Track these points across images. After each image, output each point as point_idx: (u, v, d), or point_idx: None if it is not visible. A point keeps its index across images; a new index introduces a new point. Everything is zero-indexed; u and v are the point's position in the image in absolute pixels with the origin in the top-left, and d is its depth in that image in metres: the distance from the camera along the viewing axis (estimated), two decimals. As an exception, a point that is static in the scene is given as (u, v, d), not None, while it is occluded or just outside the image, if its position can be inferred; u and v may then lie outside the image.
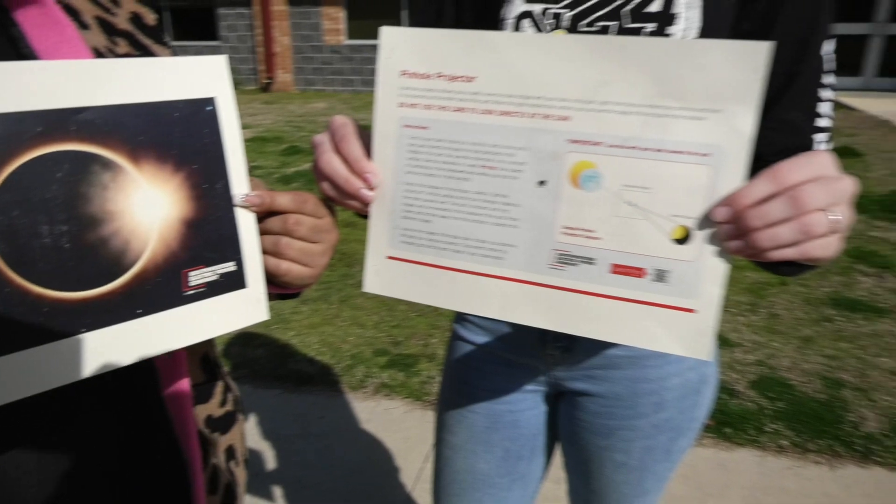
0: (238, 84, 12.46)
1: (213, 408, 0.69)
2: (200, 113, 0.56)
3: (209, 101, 0.57)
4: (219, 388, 0.71)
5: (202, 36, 12.57)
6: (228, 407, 0.72)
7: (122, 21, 0.63)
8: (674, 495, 1.86)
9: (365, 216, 0.66)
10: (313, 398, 2.38)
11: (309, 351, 2.69)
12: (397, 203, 0.63)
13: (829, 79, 0.70)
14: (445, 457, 0.96)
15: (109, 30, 0.61)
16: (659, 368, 0.82)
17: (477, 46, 0.58)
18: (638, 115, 0.54)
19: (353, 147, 0.61)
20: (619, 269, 0.57)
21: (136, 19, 0.65)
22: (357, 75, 11.95)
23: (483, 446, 0.92)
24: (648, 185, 0.55)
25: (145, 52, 0.64)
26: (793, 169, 0.50)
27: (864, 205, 4.46)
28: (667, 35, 0.68)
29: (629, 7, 0.71)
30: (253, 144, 7.15)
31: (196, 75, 0.55)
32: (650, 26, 0.69)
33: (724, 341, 2.68)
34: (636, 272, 0.57)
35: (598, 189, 0.56)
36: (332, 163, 0.61)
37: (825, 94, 0.70)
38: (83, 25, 0.59)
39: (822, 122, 0.70)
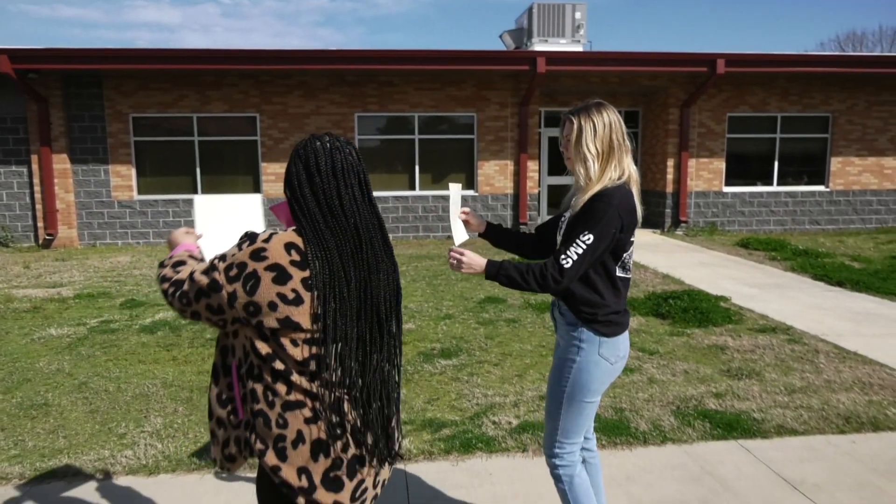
0: (12, 241, 11.93)
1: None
2: None
3: None
4: None
5: (-29, 194, 11.93)
6: None
7: None
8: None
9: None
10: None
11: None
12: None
13: (581, 242, 2.11)
14: None
15: None
16: (571, 339, 2.21)
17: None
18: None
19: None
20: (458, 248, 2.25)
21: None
22: (150, 228, 12.27)
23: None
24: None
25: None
26: (465, 254, 2.14)
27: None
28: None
29: (560, 235, 2.15)
30: (84, 301, 7.35)
31: None
32: (559, 241, 2.17)
33: (551, 399, 4.14)
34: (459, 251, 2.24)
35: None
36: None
37: (575, 246, 2.10)
38: None
39: (569, 252, 2.10)
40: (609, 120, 2.19)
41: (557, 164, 13.87)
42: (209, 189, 12.43)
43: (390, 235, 12.55)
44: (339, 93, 12.34)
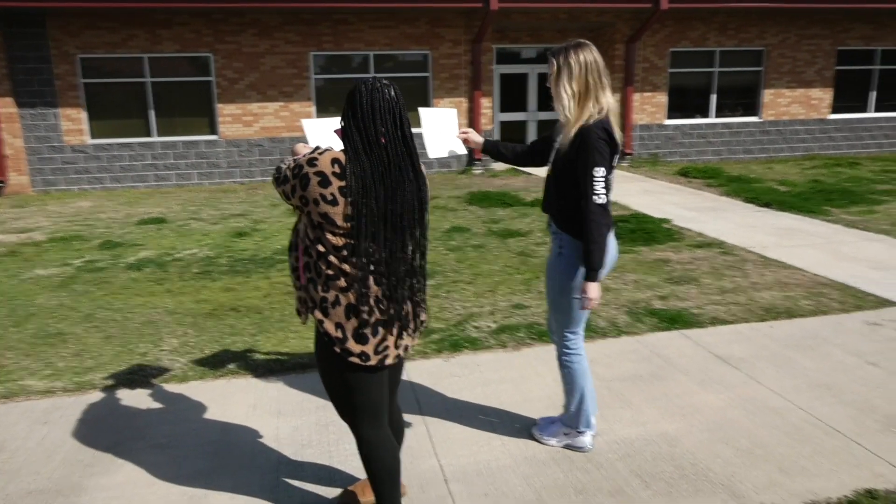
0: (-37, 190, 11.73)
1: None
2: None
3: None
4: None
5: (-87, 142, 11.58)
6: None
7: None
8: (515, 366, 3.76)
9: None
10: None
11: (285, 357, 4.02)
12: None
13: (596, 177, 2.57)
14: None
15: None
16: (556, 246, 2.71)
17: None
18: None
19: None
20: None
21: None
22: (106, 173, 12.21)
23: None
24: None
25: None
26: (588, 293, 2.58)
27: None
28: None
29: (550, 161, 2.64)
30: (59, 244, 7.53)
31: None
32: (549, 166, 2.66)
33: (519, 306, 4.75)
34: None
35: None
36: None
37: (595, 183, 2.55)
38: None
39: (595, 190, 2.56)
40: (585, 60, 2.50)
41: (509, 102, 14.28)
42: (164, 131, 12.39)
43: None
44: (294, 31, 12.32)
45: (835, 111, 14.75)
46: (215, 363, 3.99)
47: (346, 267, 2.04)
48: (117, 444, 3.09)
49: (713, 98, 14.23)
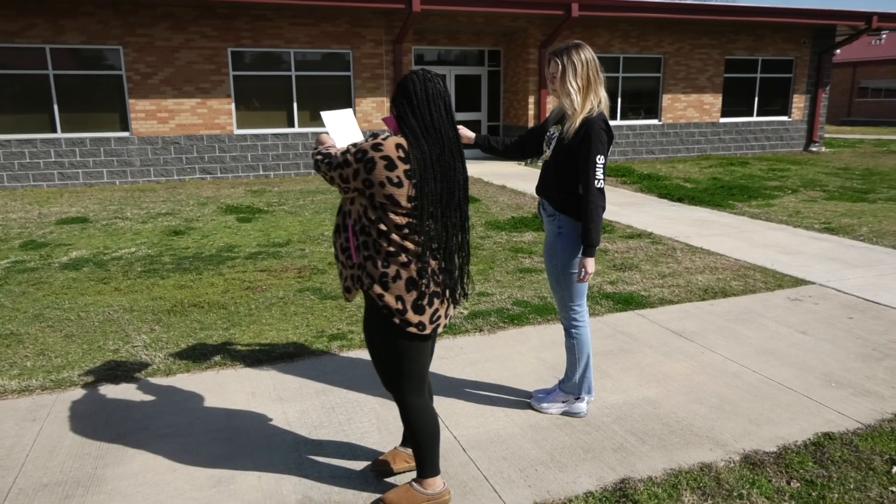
0: None
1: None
2: None
3: None
4: None
5: None
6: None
7: None
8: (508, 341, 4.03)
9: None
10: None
11: (267, 348, 4.06)
12: None
13: (598, 164, 2.89)
14: None
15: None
16: (554, 227, 2.99)
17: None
18: None
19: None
20: None
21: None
22: (4, 171, 11.37)
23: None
24: None
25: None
26: (586, 269, 2.89)
27: (500, 226, 7.50)
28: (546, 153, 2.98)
29: (550, 149, 2.92)
30: (-26, 245, 7.01)
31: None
32: (549, 153, 2.95)
33: (481, 296, 5.02)
34: None
35: None
36: None
37: (597, 170, 2.87)
38: None
39: (596, 176, 2.89)
40: (586, 59, 2.82)
41: (428, 101, 14.54)
42: (70, 127, 11.69)
43: (270, 174, 12.63)
44: (210, 26, 11.99)
45: (724, 115, 16.14)
46: (196, 356, 3.98)
47: (408, 244, 2.21)
48: (121, 436, 3.06)
49: (618, 101, 15.17)
